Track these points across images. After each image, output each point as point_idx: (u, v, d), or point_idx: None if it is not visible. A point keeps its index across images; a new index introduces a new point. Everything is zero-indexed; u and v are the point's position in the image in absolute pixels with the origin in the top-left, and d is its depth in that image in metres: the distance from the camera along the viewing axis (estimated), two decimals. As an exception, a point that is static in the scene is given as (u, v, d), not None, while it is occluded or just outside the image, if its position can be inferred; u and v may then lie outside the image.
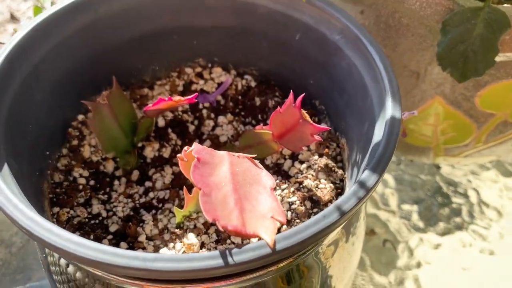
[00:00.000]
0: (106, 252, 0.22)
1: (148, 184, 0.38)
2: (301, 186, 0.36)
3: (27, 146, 0.33)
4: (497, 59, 0.39)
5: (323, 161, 0.37)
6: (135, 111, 0.40)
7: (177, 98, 0.35)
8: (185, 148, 0.29)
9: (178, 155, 0.31)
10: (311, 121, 0.33)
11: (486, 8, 0.37)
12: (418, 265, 0.53)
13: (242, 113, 0.43)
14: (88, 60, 0.38)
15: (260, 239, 0.24)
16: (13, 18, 0.53)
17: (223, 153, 0.27)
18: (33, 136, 0.34)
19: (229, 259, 0.22)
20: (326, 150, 0.38)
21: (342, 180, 0.37)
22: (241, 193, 0.25)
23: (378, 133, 0.30)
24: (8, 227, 0.55)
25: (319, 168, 0.37)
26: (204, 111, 0.42)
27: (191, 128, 0.42)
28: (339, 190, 0.36)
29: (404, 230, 0.56)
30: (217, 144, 0.41)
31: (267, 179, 0.27)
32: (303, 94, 0.32)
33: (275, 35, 0.40)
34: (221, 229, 0.23)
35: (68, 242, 0.23)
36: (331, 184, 0.36)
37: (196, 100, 0.37)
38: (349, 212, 0.24)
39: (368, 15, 0.45)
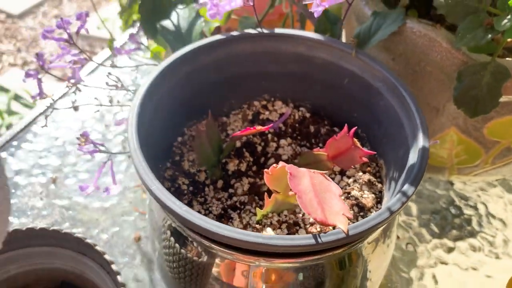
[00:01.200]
0: (239, 232, 0.34)
1: (231, 190, 0.50)
2: (349, 195, 0.47)
3: (152, 161, 0.45)
4: (501, 100, 0.50)
5: (366, 176, 0.48)
6: (220, 135, 0.52)
7: (258, 127, 0.47)
8: (274, 165, 0.41)
9: (265, 170, 0.42)
10: (361, 147, 0.44)
11: (492, 63, 0.49)
12: (435, 264, 0.64)
13: (299, 138, 0.54)
14: (190, 97, 0.50)
15: (335, 228, 0.36)
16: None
17: (303, 169, 0.39)
18: (154, 153, 0.46)
19: (319, 240, 0.34)
20: (368, 168, 0.50)
21: (380, 192, 0.48)
22: (320, 198, 0.37)
23: (413, 158, 0.42)
24: (95, 225, 0.67)
25: (363, 182, 0.48)
26: (269, 135, 0.54)
27: (259, 148, 0.54)
28: (378, 199, 0.48)
29: (423, 235, 0.67)
30: (278, 162, 0.53)
31: (336, 188, 0.38)
32: (355, 127, 0.44)
33: (327, 79, 0.52)
34: (313, 220, 0.34)
35: (213, 225, 0.35)
36: (373, 195, 0.47)
37: (270, 128, 0.49)
38: (396, 211, 0.36)
39: (398, 62, 0.56)
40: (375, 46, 0.52)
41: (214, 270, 0.42)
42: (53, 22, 2.49)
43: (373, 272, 0.49)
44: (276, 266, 0.41)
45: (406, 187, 0.38)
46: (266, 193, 0.45)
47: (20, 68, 2.28)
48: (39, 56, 0.63)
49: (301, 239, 0.34)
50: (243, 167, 0.52)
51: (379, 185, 0.48)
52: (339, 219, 0.35)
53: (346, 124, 0.44)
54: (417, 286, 0.62)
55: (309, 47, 0.51)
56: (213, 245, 0.39)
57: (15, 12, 2.52)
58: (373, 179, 0.48)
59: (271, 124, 0.47)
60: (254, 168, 0.53)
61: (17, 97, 1.65)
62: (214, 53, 0.50)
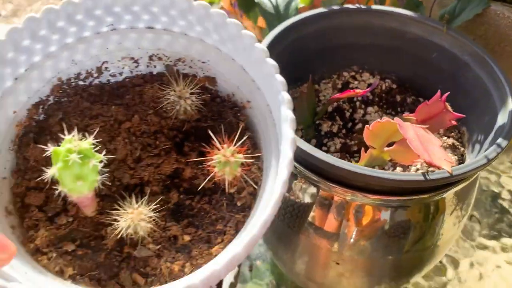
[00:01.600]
0: (356, 167, 0.40)
1: (324, 148, 0.56)
2: (435, 156, 0.53)
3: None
4: None
5: (450, 141, 0.54)
6: (315, 99, 0.58)
7: (357, 90, 0.52)
8: (378, 120, 0.47)
9: (366, 125, 0.48)
10: (452, 111, 0.50)
11: None
12: (496, 237, 0.69)
13: (385, 106, 0.60)
14: (292, 63, 0.56)
15: (439, 169, 0.41)
16: None
17: (408, 124, 0.45)
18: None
19: (426, 178, 0.40)
20: (452, 134, 0.55)
21: (462, 155, 0.54)
22: (424, 146, 0.42)
23: (502, 120, 0.47)
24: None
25: (447, 146, 0.53)
26: (357, 103, 0.60)
27: (347, 114, 0.60)
28: (460, 161, 0.53)
29: (487, 209, 0.71)
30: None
31: (436, 140, 0.44)
32: (448, 93, 0.49)
33: (416, 53, 0.58)
34: (424, 159, 0.40)
35: (332, 159, 0.41)
36: (455, 157, 0.53)
37: (365, 94, 0.55)
38: (492, 159, 0.41)
39: (478, 42, 0.61)
40: (455, 27, 0.57)
41: (316, 204, 0.49)
42: None
43: (447, 232, 0.54)
44: (370, 201, 0.46)
45: (499, 140, 0.43)
46: (363, 148, 0.51)
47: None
48: None
49: (411, 175, 0.40)
50: (334, 128, 0.58)
51: (462, 149, 0.53)
52: (443, 162, 0.41)
53: (439, 90, 0.50)
54: (477, 255, 0.67)
55: (402, 23, 0.56)
56: (319, 179, 0.45)
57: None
58: (456, 143, 0.54)
59: (368, 89, 0.53)
60: (343, 131, 0.58)
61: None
62: (316, 24, 0.56)
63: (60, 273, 0.31)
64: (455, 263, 0.67)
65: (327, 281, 0.57)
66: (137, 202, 0.31)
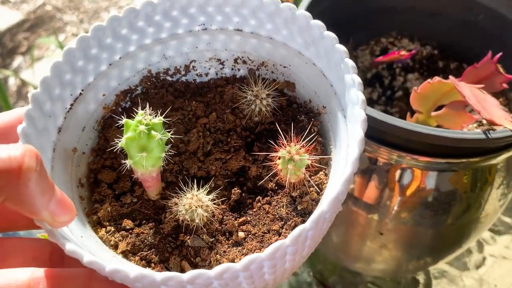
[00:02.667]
0: (411, 124, 0.38)
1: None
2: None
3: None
4: None
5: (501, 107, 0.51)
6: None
7: (402, 52, 0.50)
8: (429, 80, 0.44)
9: (414, 88, 0.45)
10: (504, 73, 0.47)
11: None
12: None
13: (426, 73, 0.57)
14: (333, 25, 0.53)
15: (497, 126, 0.39)
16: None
17: (462, 83, 0.42)
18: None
19: (488, 136, 0.37)
20: (500, 99, 0.52)
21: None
22: (483, 104, 0.40)
23: (560, 80, 0.44)
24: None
25: (496, 111, 0.51)
26: (397, 70, 0.57)
27: (386, 81, 0.57)
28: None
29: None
30: (407, 95, 0.56)
31: (493, 100, 0.41)
32: (501, 53, 0.46)
33: (460, 16, 0.55)
34: (484, 118, 0.37)
35: (387, 117, 0.38)
36: (504, 122, 0.50)
37: (409, 57, 0.52)
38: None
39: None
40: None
41: (361, 167, 0.46)
42: (116, -5, 2.57)
43: (491, 207, 0.51)
44: (417, 164, 0.44)
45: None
46: (408, 113, 0.48)
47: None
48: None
49: (473, 134, 0.37)
50: (374, 96, 0.55)
51: (511, 115, 0.51)
52: (505, 120, 0.38)
53: (490, 51, 0.47)
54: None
55: (446, -17, 0.53)
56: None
57: (80, -17, 2.61)
58: (505, 109, 0.51)
59: (413, 51, 0.50)
60: (383, 98, 0.56)
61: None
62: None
63: (114, 247, 0.32)
64: (494, 239, 0.65)
65: (366, 254, 0.55)
66: (198, 191, 0.32)
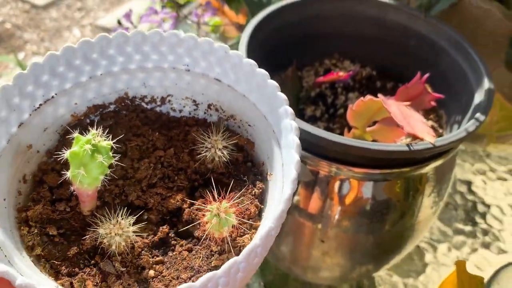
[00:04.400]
0: (344, 139, 0.41)
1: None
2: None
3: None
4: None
5: (429, 123, 0.56)
6: (299, 84, 0.59)
7: (340, 73, 0.54)
8: (362, 98, 0.48)
9: (350, 105, 0.50)
10: (431, 92, 0.52)
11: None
12: (471, 223, 0.71)
13: (365, 92, 0.62)
14: (274, 51, 0.57)
15: (421, 140, 0.43)
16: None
17: (391, 101, 0.46)
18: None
19: (411, 148, 0.41)
20: (431, 116, 0.57)
21: (440, 136, 0.56)
22: (407, 120, 0.44)
23: (479, 98, 0.49)
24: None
25: (426, 127, 0.55)
26: (339, 89, 0.62)
27: (329, 100, 0.61)
28: (439, 142, 0.55)
29: (462, 196, 0.74)
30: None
31: (418, 116, 0.45)
32: (428, 74, 0.51)
33: (395, 40, 0.60)
34: (407, 132, 0.41)
35: (323, 132, 0.42)
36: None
37: (348, 77, 0.56)
38: (471, 132, 0.43)
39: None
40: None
41: (301, 182, 0.50)
42: (76, 15, 2.56)
43: (425, 214, 0.56)
44: (354, 175, 0.47)
45: (477, 115, 0.45)
46: (346, 128, 0.52)
47: (43, 56, 2.34)
48: (126, 15, 0.71)
49: (397, 146, 0.41)
50: (317, 113, 0.59)
51: (440, 131, 0.56)
52: (426, 134, 0.42)
53: (419, 72, 0.51)
54: (454, 240, 0.69)
55: (381, 10, 0.58)
56: (306, 154, 0.46)
57: (39, 3, 2.59)
58: (435, 125, 0.56)
59: (350, 72, 0.54)
60: (326, 116, 0.60)
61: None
62: (298, 11, 0.58)
63: (30, 249, 0.32)
64: (434, 247, 0.69)
65: (312, 262, 0.58)
66: (127, 219, 0.33)
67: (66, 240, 0.33)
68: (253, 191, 0.35)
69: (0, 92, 0.33)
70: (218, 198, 0.32)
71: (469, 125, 0.44)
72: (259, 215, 0.34)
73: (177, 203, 0.35)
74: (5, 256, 0.30)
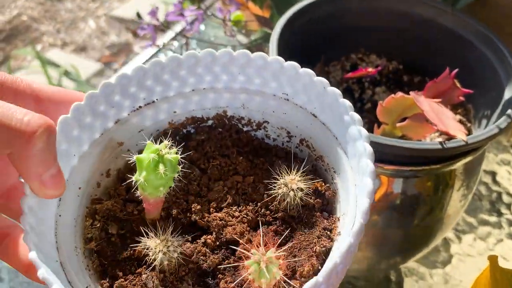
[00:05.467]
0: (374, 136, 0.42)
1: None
2: (443, 132, 0.55)
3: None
4: None
5: (457, 117, 0.56)
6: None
7: (369, 69, 0.54)
8: (392, 95, 0.49)
9: (379, 102, 0.50)
10: (460, 87, 0.52)
11: None
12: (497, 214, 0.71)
13: (392, 86, 0.62)
14: (301, 46, 0.58)
15: (452, 137, 0.43)
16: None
17: (423, 98, 0.47)
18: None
19: (443, 146, 0.42)
20: (459, 110, 0.57)
21: (469, 131, 0.56)
22: (439, 117, 0.44)
23: (508, 95, 0.49)
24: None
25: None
26: (366, 84, 0.62)
27: (356, 95, 0.62)
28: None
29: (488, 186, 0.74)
30: (375, 106, 0.60)
31: (450, 113, 0.46)
32: (457, 69, 0.51)
33: (422, 34, 0.60)
34: (440, 130, 0.42)
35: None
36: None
37: (376, 73, 0.57)
38: (503, 129, 0.44)
39: (479, 24, 0.64)
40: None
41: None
42: (91, 6, 2.57)
43: (453, 208, 0.56)
44: (384, 172, 0.48)
45: (509, 111, 0.45)
46: (376, 124, 0.53)
47: (60, 48, 2.36)
48: (152, 12, 0.72)
49: (431, 144, 0.42)
50: (345, 108, 0.59)
51: (468, 125, 0.56)
52: (458, 132, 0.43)
53: (447, 67, 0.52)
54: (479, 230, 0.70)
55: (409, 5, 0.58)
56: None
57: (56, -6, 2.60)
58: (463, 119, 0.56)
59: (378, 68, 0.55)
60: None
61: (66, 73, 1.75)
62: (326, 7, 0.58)
63: (88, 241, 0.33)
64: (459, 238, 0.70)
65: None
66: (178, 237, 0.32)
67: (121, 242, 0.34)
68: (315, 248, 0.31)
69: (100, 89, 0.34)
70: (268, 244, 0.29)
71: (501, 121, 0.44)
72: (314, 275, 0.30)
73: (236, 235, 0.33)
74: (56, 242, 0.31)
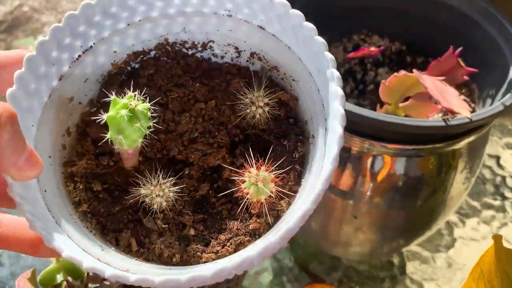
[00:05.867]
0: (380, 115, 0.41)
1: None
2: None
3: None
4: None
5: (462, 97, 0.55)
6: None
7: (372, 48, 0.54)
8: (395, 74, 0.48)
9: (382, 81, 0.49)
10: (464, 66, 0.51)
11: None
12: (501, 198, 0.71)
13: (395, 67, 0.61)
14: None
15: (456, 115, 0.43)
16: None
17: (426, 76, 0.46)
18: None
19: (447, 123, 0.41)
20: (462, 91, 0.56)
21: (473, 110, 0.55)
22: (443, 95, 0.44)
23: (514, 72, 0.48)
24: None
25: (459, 101, 0.55)
26: (368, 65, 0.61)
27: (359, 76, 0.61)
28: (471, 116, 0.54)
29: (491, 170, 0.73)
30: (378, 88, 0.60)
31: (453, 91, 0.45)
32: (461, 47, 0.50)
33: (425, 14, 0.59)
34: (444, 107, 0.41)
35: (358, 108, 0.42)
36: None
37: (378, 53, 0.56)
38: (508, 106, 0.43)
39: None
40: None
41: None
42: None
43: (456, 190, 0.55)
44: (388, 151, 0.47)
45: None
46: (378, 104, 0.52)
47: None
48: None
49: (434, 122, 0.41)
50: (347, 89, 0.59)
51: (473, 105, 0.55)
52: (462, 109, 0.42)
53: (451, 46, 0.51)
54: (483, 214, 0.69)
55: (412, -16, 0.57)
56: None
57: (58, -16, 2.60)
58: (467, 99, 0.55)
59: (381, 47, 0.54)
60: (356, 92, 0.60)
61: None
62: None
63: (77, 204, 0.33)
64: (463, 222, 0.69)
65: (343, 237, 0.58)
66: (167, 178, 0.33)
67: (110, 196, 0.34)
68: (294, 154, 0.34)
69: (37, 48, 0.32)
70: (256, 163, 0.31)
71: (506, 99, 0.44)
72: (298, 178, 0.33)
73: (217, 161, 0.35)
74: (53, 217, 0.31)
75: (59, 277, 0.50)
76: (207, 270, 0.27)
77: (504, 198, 0.72)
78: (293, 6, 0.55)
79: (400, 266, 0.66)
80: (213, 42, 0.38)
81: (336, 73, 0.30)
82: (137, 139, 0.31)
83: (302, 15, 0.33)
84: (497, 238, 0.42)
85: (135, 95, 0.31)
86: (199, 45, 0.38)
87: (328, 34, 0.61)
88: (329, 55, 0.31)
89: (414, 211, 0.54)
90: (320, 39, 0.32)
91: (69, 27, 0.34)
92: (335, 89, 0.30)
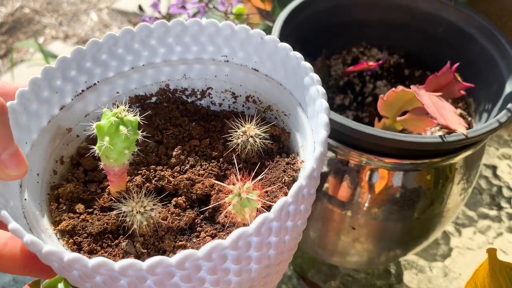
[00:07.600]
0: (377, 131, 0.42)
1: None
2: (443, 125, 0.55)
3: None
4: None
5: (458, 111, 0.56)
6: (327, 73, 0.60)
7: (370, 63, 0.55)
8: (393, 89, 0.49)
9: (381, 95, 0.50)
10: (461, 81, 0.52)
11: None
12: (496, 208, 0.72)
13: (393, 80, 0.62)
14: (303, 39, 0.58)
15: (452, 132, 0.44)
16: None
17: (423, 92, 0.47)
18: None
19: (444, 140, 0.42)
20: (460, 104, 0.57)
21: (469, 125, 0.56)
22: (440, 111, 0.45)
23: (509, 89, 0.49)
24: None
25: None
26: (367, 78, 0.62)
27: (357, 88, 0.62)
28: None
29: (486, 181, 0.74)
30: (376, 100, 0.61)
31: (450, 106, 0.46)
32: (458, 63, 0.51)
33: (423, 28, 0.60)
34: (440, 124, 0.42)
35: (357, 125, 0.43)
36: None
37: (377, 67, 0.57)
38: (503, 123, 0.44)
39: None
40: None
41: (332, 171, 0.51)
42: (94, -2, 2.56)
43: (453, 201, 0.56)
44: (385, 165, 0.48)
45: (510, 105, 0.46)
46: (376, 118, 0.53)
47: (62, 41, 2.36)
48: (154, 5, 0.72)
49: (431, 138, 0.42)
50: (346, 102, 0.60)
51: (469, 119, 0.56)
52: (459, 125, 0.43)
53: (449, 61, 0.52)
54: (479, 224, 0.70)
55: (411, -1, 0.58)
56: (337, 144, 0.47)
57: (58, -14, 2.60)
58: (464, 113, 0.56)
59: (380, 61, 0.55)
60: (354, 104, 0.61)
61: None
62: (327, 1, 0.58)
63: (57, 223, 0.33)
64: (459, 232, 0.70)
65: (340, 247, 0.59)
66: (152, 200, 0.32)
67: (91, 219, 0.33)
68: (283, 179, 0.33)
69: (42, 73, 0.33)
70: (242, 179, 0.30)
71: (501, 115, 0.45)
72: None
73: (206, 189, 0.34)
74: (27, 224, 0.30)
75: (61, 286, 0.50)
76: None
77: (500, 208, 0.73)
78: (295, 20, 0.56)
79: (397, 274, 0.67)
80: (212, 89, 0.40)
81: (321, 90, 0.31)
82: (123, 150, 0.31)
83: (290, 46, 0.35)
84: (492, 252, 0.43)
85: (125, 108, 0.31)
86: (198, 92, 0.40)
87: (328, 46, 0.62)
88: (311, 76, 0.32)
89: (411, 222, 0.55)
90: (304, 64, 0.33)
91: (75, 61, 0.35)
92: (320, 102, 0.31)
